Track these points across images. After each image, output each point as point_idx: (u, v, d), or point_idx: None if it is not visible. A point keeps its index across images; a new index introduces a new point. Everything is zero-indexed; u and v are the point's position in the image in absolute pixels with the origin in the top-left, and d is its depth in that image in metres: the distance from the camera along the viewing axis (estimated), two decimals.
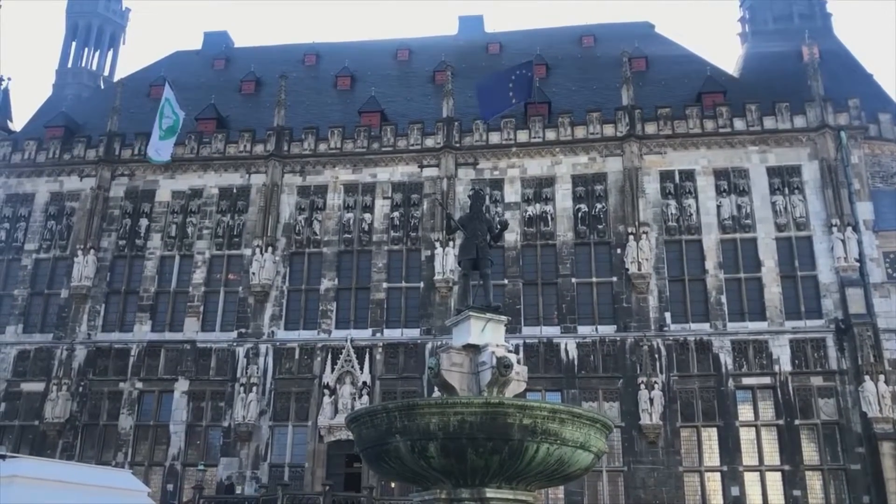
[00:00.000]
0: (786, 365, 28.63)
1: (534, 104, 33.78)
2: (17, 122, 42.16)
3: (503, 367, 11.87)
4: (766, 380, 28.69)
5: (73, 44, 47.41)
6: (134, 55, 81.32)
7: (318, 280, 32.50)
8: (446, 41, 43.34)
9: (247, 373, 30.73)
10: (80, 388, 31.82)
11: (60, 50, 47.62)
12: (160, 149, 31.68)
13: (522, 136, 33.30)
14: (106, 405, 31.60)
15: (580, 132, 33.03)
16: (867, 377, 27.30)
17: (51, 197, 35.56)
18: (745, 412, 28.52)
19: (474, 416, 10.30)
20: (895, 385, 27.67)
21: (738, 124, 32.15)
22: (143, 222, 34.33)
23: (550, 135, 33.18)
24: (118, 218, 34.57)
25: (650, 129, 32.58)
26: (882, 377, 27.32)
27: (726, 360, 29.03)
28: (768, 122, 32.01)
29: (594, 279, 31.00)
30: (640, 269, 29.96)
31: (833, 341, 28.73)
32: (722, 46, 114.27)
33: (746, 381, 28.81)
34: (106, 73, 48.19)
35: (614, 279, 30.68)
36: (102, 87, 45.98)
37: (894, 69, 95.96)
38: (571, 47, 41.04)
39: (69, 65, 46.73)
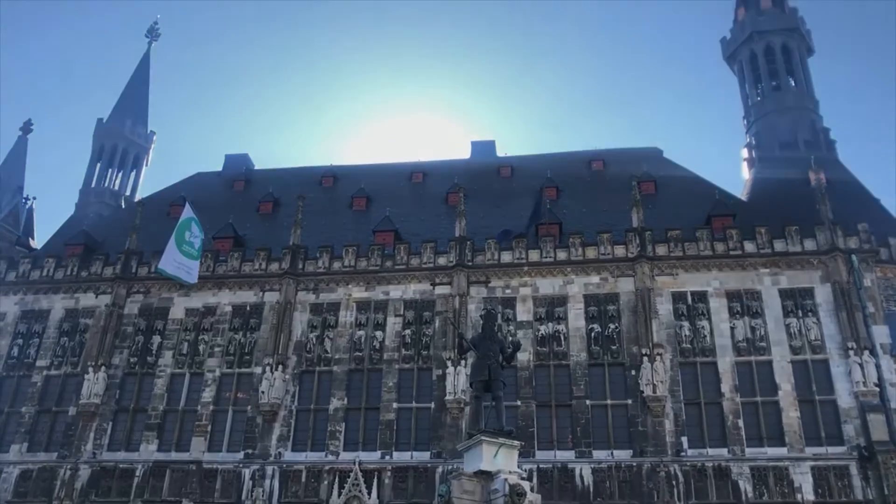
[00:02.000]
0: (808, 494, 27.57)
1: (545, 225, 34.33)
2: (39, 240, 43.12)
3: (516, 495, 11.59)
4: None
5: (98, 165, 49.11)
6: (157, 175, 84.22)
7: (327, 399, 32.09)
8: (459, 164, 44.54)
9: (252, 496, 29.88)
10: None
11: (85, 170, 49.23)
12: (190, 269, 31.85)
13: (534, 255, 33.63)
14: None
15: (591, 253, 33.31)
16: None
17: (66, 313, 35.83)
18: None
19: None
20: None
21: (749, 247, 32.39)
22: (156, 339, 34.39)
23: (562, 255, 33.49)
24: (131, 335, 34.66)
25: (661, 250, 32.84)
26: None
27: (746, 487, 28.03)
28: (779, 245, 32.24)
29: (609, 401, 30.45)
30: (655, 392, 29.48)
31: (857, 469, 27.78)
32: (729, 171, 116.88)
33: None
34: (128, 192, 49.64)
35: (629, 401, 30.14)
36: (124, 206, 47.19)
37: None
38: (581, 170, 42.03)
39: (93, 185, 48.24)
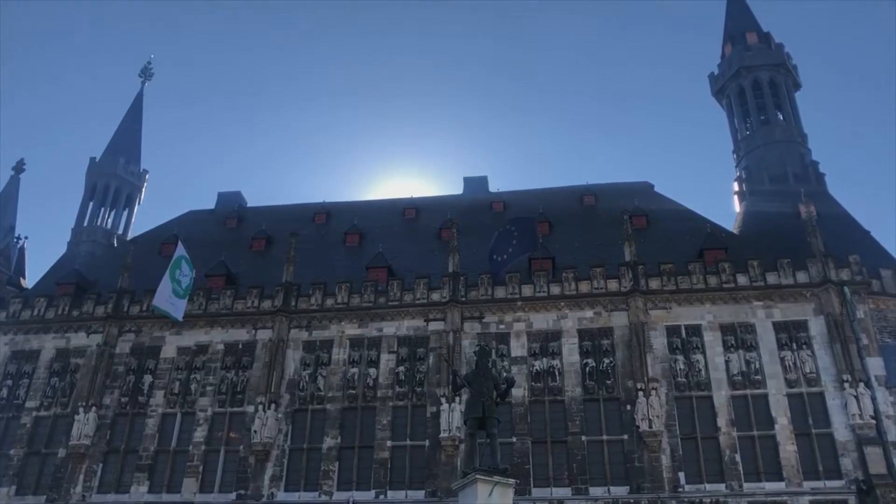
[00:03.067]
0: None
1: (538, 259, 34.31)
2: (31, 279, 42.88)
3: None
4: None
5: (91, 203, 49.03)
6: (149, 213, 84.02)
7: (320, 438, 31.73)
8: (452, 200, 44.64)
9: None
10: None
11: (77, 209, 49.16)
12: (177, 307, 31.75)
13: (527, 290, 33.58)
14: None
15: (584, 287, 33.31)
16: None
17: (56, 353, 35.51)
18: None
19: None
20: None
21: (742, 280, 32.45)
22: (147, 379, 34.06)
23: (555, 289, 33.47)
24: (122, 374, 34.34)
25: (654, 284, 32.87)
26: None
27: None
28: (771, 278, 32.31)
29: (605, 437, 30.19)
30: (651, 427, 29.27)
31: (856, 503, 27.52)
32: (721, 204, 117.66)
33: None
34: (120, 231, 49.52)
35: (625, 437, 29.89)
36: (116, 245, 47.03)
37: (891, 225, 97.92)
38: (573, 205, 42.19)
39: (85, 223, 48.11)
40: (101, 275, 39.90)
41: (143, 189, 52.69)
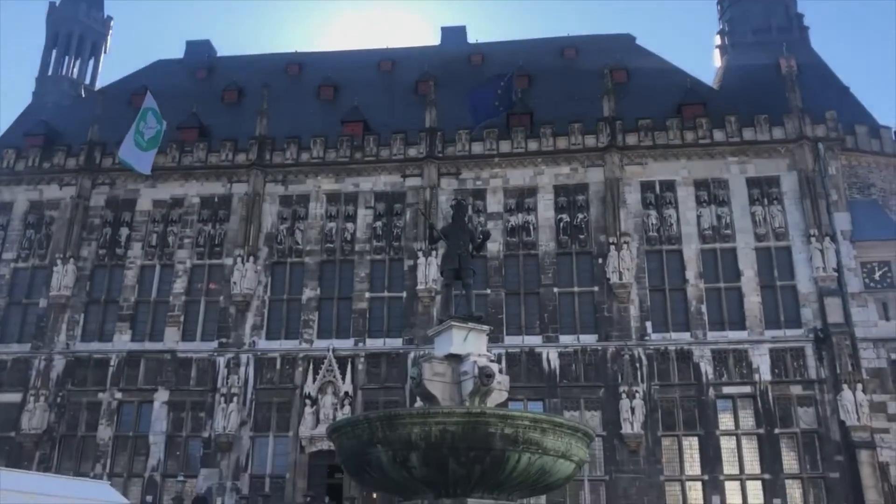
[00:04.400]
0: (766, 374, 28.86)
1: (516, 115, 33.95)
2: None
3: (485, 376, 11.92)
4: (747, 389, 28.90)
5: (54, 52, 47.03)
6: (115, 64, 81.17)
7: (299, 290, 32.39)
8: (429, 52, 43.49)
9: (227, 383, 30.52)
10: (58, 399, 31.45)
11: (41, 58, 47.24)
12: (142, 159, 31.41)
13: (505, 146, 33.45)
14: (84, 416, 31.26)
15: (562, 143, 33.22)
16: (845, 386, 27.58)
17: (30, 206, 35.25)
18: (725, 421, 28.69)
19: (456, 426, 10.32)
20: (872, 394, 27.98)
21: (718, 135, 32.48)
22: (124, 231, 34.10)
23: (533, 145, 33.36)
24: (98, 227, 34.32)
25: (631, 140, 32.83)
26: (860, 386, 27.60)
27: (707, 369, 29.21)
28: (747, 134, 32.36)
29: (576, 289, 31.13)
30: (621, 279, 30.14)
31: (812, 350, 29.00)
32: (702, 58, 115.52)
33: (727, 390, 29.00)
34: (87, 81, 47.84)
35: (596, 289, 30.83)
36: (83, 95, 45.65)
37: (870, 82, 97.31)
38: (554, 59, 41.28)
39: (49, 73, 46.33)
40: (70, 126, 38.95)
41: (109, 37, 50.53)
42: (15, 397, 31.61)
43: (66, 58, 47.34)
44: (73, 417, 31.28)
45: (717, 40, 44.27)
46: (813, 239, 30.05)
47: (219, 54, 48.21)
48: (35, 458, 30.41)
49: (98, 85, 46.34)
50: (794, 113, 32.20)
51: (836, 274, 29.61)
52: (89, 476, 28.61)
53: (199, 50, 47.26)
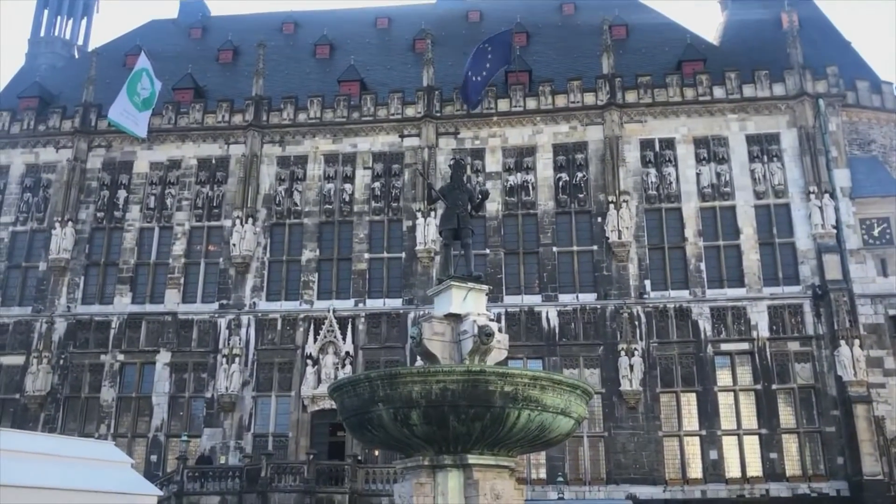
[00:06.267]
0: (763, 331, 29.04)
1: (514, 73, 33.66)
2: None
3: (484, 335, 11.96)
4: (744, 345, 29.11)
5: (46, 12, 46.36)
6: (108, 24, 79.90)
7: (299, 251, 32.42)
8: (426, 9, 42.97)
9: (229, 344, 30.71)
10: (61, 361, 31.67)
11: (32, 18, 46.61)
12: (139, 121, 31.23)
13: (503, 105, 33.19)
14: (87, 378, 31.51)
15: (561, 101, 32.95)
16: (842, 342, 27.77)
17: (26, 169, 35.08)
18: (723, 377, 28.96)
19: (456, 384, 10.40)
20: (869, 349, 28.23)
21: (718, 92, 32.21)
22: (122, 194, 33.99)
23: (531, 104, 33.09)
24: (96, 189, 34.21)
25: (630, 97, 32.57)
26: (857, 342, 27.79)
27: (705, 326, 29.39)
28: (747, 90, 32.08)
29: (575, 248, 31.15)
30: (620, 238, 30.16)
31: (810, 307, 29.15)
32: (703, 14, 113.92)
33: (725, 346, 29.22)
34: (80, 42, 47.24)
35: (595, 248, 30.87)
36: (77, 56, 45.15)
37: (872, 37, 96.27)
38: (552, 15, 40.77)
39: (42, 34, 45.73)
40: (64, 88, 38.60)
41: None
42: (18, 360, 31.85)
43: (59, 18, 46.68)
44: (77, 379, 31.55)
45: None
46: (812, 196, 30.00)
47: (213, 14, 47.63)
48: (40, 420, 30.73)
49: (91, 46, 45.78)
50: (795, 69, 31.88)
51: (834, 231, 29.64)
52: (94, 437, 28.93)
53: (193, 10, 46.65)
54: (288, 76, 37.45)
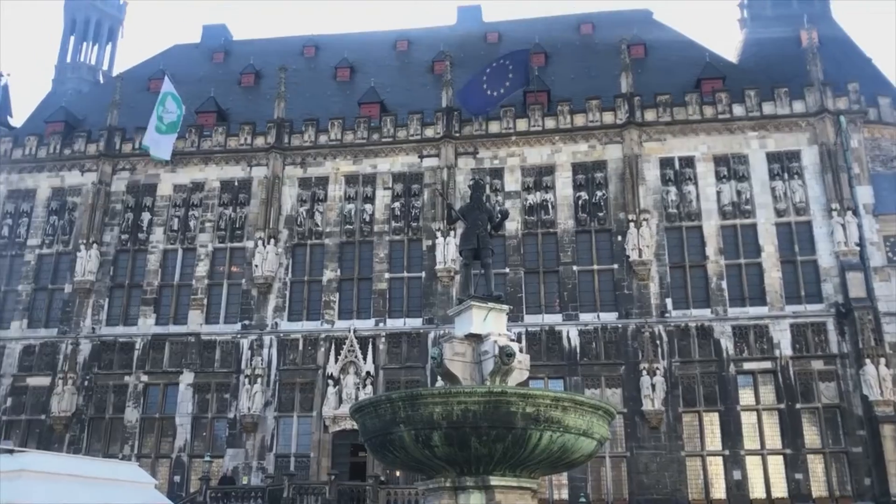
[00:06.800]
0: (787, 349, 28.76)
1: (533, 92, 33.81)
2: (18, 118, 42.22)
3: (505, 355, 11.97)
4: (767, 364, 28.83)
5: (72, 38, 47.35)
6: (132, 50, 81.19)
7: (320, 271, 32.64)
8: (445, 31, 43.32)
9: (251, 364, 30.91)
10: (86, 382, 32.01)
11: (59, 45, 47.59)
12: (162, 144, 31.66)
13: (522, 124, 33.33)
14: (112, 398, 31.81)
15: (580, 120, 33.05)
16: (868, 360, 27.42)
17: (52, 192, 35.67)
18: (746, 396, 28.67)
19: (477, 405, 10.40)
20: None
21: (738, 110, 32.15)
22: (146, 216, 34.45)
23: (550, 123, 33.21)
24: (120, 212, 34.70)
25: (649, 115, 32.59)
26: (883, 360, 27.43)
27: (727, 345, 29.16)
28: (767, 108, 32.00)
29: (595, 266, 31.10)
30: (640, 256, 30.07)
31: (834, 325, 28.85)
32: (721, 33, 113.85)
33: (747, 365, 28.96)
34: (105, 67, 48.16)
35: (615, 266, 30.79)
36: (102, 81, 45.99)
37: (893, 53, 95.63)
38: (570, 35, 40.99)
39: (68, 60, 46.68)
40: (89, 112, 39.29)
41: (124, 23, 50.77)
42: (44, 381, 32.24)
43: (84, 44, 47.67)
44: (101, 400, 31.85)
45: (737, 13, 43.64)
46: (834, 213, 29.78)
47: (235, 38, 48.28)
48: (65, 440, 31.04)
49: (115, 71, 46.63)
50: (816, 86, 31.77)
51: (857, 248, 29.36)
52: (118, 457, 29.21)
53: (216, 34, 47.34)
54: (309, 99, 37.87)
